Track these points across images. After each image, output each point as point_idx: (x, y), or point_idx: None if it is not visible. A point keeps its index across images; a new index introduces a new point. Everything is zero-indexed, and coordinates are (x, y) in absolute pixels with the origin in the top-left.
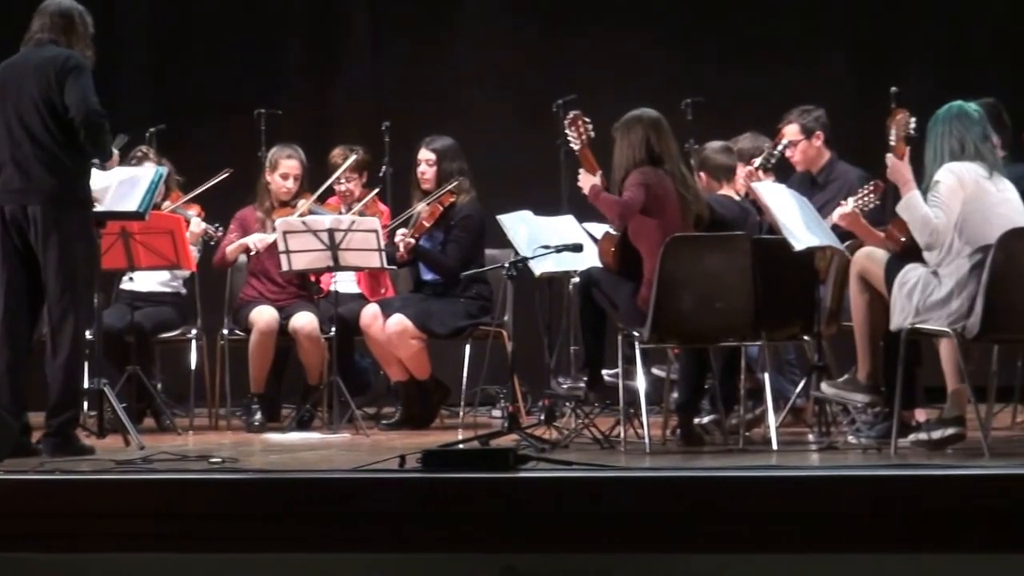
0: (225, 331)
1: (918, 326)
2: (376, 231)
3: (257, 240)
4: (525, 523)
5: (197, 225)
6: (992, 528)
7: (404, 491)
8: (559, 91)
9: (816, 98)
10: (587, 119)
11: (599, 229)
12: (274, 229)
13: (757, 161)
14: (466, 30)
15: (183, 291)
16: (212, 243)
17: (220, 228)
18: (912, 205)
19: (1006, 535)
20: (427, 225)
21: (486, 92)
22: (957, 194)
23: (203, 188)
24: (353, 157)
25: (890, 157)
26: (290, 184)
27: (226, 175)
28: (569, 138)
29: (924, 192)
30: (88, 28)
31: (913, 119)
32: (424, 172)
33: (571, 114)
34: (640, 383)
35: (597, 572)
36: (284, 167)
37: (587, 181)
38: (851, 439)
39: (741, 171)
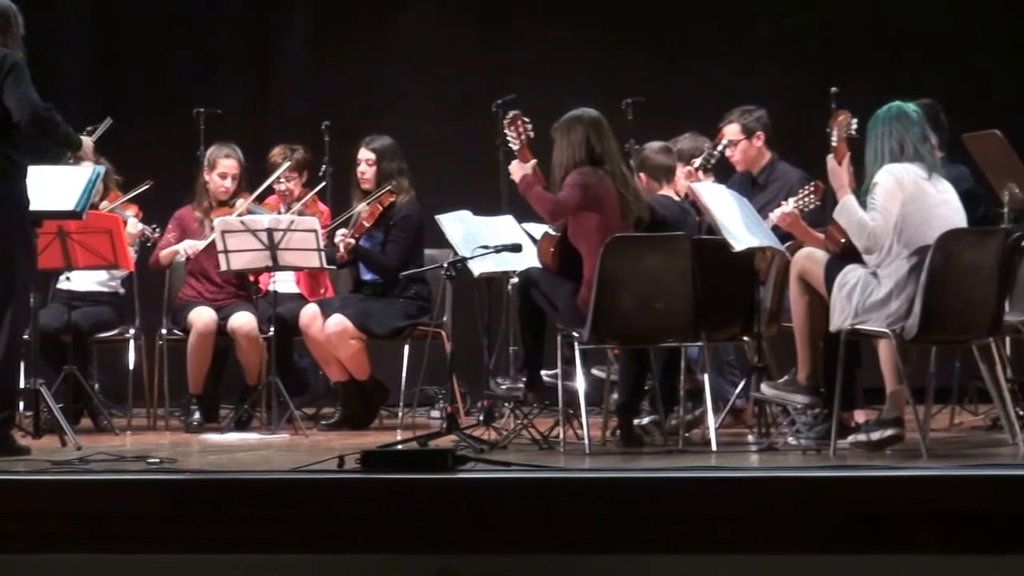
0: (163, 331)
1: (857, 327)
2: (315, 231)
3: (188, 246)
4: (463, 524)
5: (134, 226)
6: (930, 529)
7: (343, 492)
8: (499, 91)
9: (757, 98)
10: (526, 119)
11: (538, 229)
12: (212, 229)
13: (697, 161)
14: (406, 30)
15: (121, 291)
16: (149, 244)
17: (157, 229)
18: (848, 210)
19: (944, 536)
20: (367, 225)
21: (426, 92)
22: (896, 196)
23: (127, 197)
24: (293, 157)
25: (830, 160)
26: (228, 183)
27: (147, 187)
28: (508, 138)
29: (865, 193)
30: (20, 28)
31: (855, 120)
32: (364, 172)
33: (510, 114)
34: (579, 384)
35: (535, 573)
36: (222, 166)
37: (519, 170)
38: (791, 440)
39: (681, 171)
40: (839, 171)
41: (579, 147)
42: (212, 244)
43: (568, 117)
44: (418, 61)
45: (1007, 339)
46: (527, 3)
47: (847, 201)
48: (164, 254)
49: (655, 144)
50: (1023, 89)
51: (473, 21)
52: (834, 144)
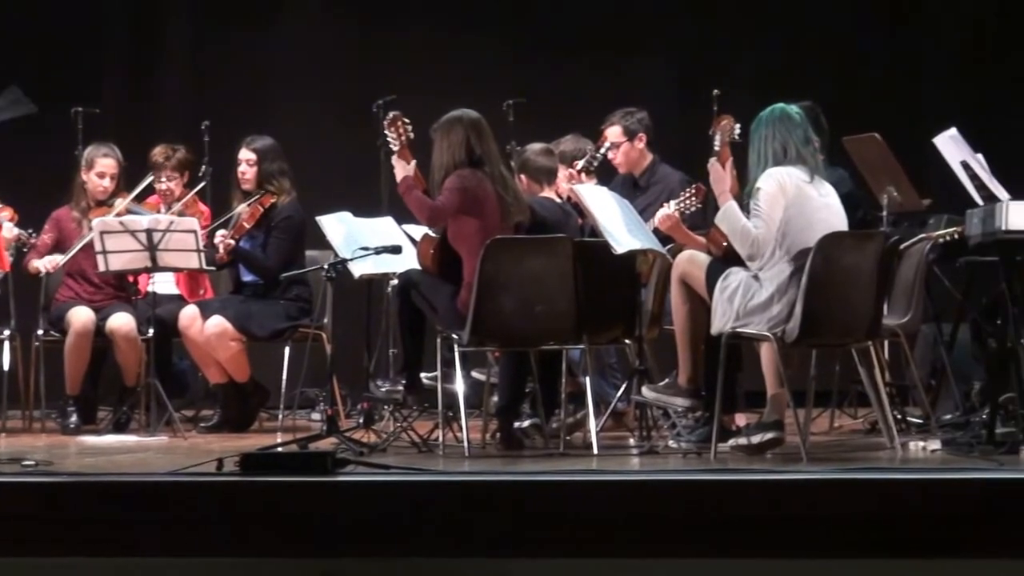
0: (40, 332)
1: (739, 330)
2: (195, 232)
3: (48, 263)
4: (343, 527)
5: (9, 231)
6: (809, 532)
7: (221, 495)
8: (379, 92)
9: (639, 100)
10: (407, 120)
11: (418, 231)
12: (90, 229)
13: (579, 163)
14: (286, 30)
15: None
16: (25, 249)
17: (33, 234)
18: (731, 216)
19: (822, 539)
20: (247, 226)
21: (307, 92)
22: (778, 201)
23: None
24: (175, 157)
25: (713, 165)
26: (106, 183)
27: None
28: (389, 139)
29: (748, 196)
30: None
31: (738, 125)
32: (244, 172)
33: (390, 115)
34: (459, 386)
35: None
36: (100, 166)
37: (400, 171)
38: (672, 443)
39: (563, 173)
40: (722, 176)
41: (459, 148)
42: (90, 244)
43: (448, 118)
44: (299, 62)
45: (886, 343)
46: (409, 3)
47: (729, 207)
48: (31, 266)
49: (536, 146)
50: (902, 92)
51: (354, 22)
52: (717, 148)
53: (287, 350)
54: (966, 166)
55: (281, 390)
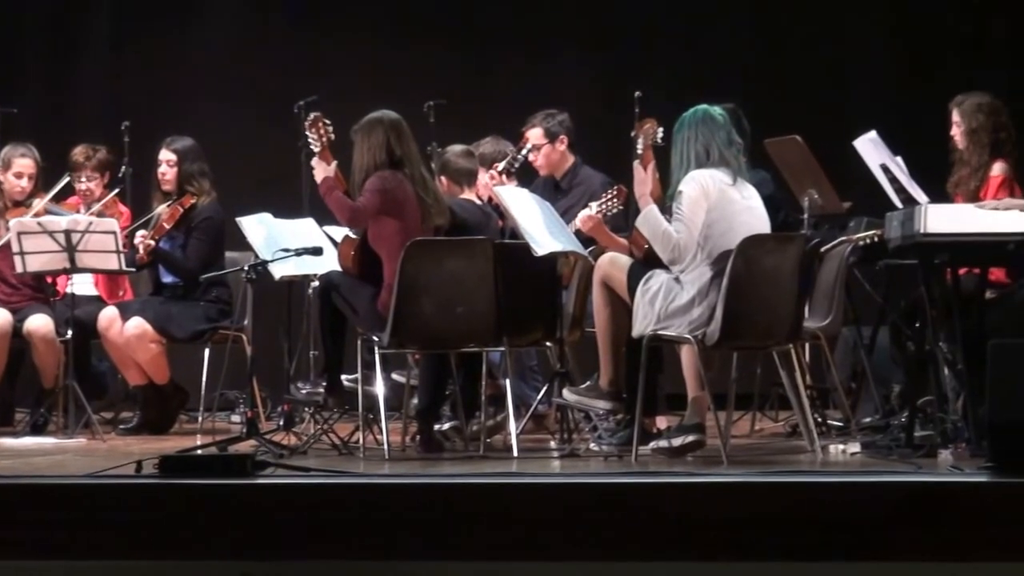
0: None
1: (660, 333)
2: (115, 232)
3: None
4: (263, 530)
5: None
6: (730, 534)
7: (140, 497)
8: (300, 92)
9: (561, 101)
10: (328, 121)
11: (339, 232)
12: (8, 229)
13: (500, 165)
14: (207, 29)
15: None
16: None
17: None
18: (651, 220)
19: (743, 542)
20: (167, 227)
21: (227, 92)
22: (700, 205)
23: None
24: (96, 157)
25: (637, 167)
26: (24, 183)
27: None
28: (310, 140)
29: (671, 199)
30: None
31: (660, 129)
32: (164, 173)
33: (311, 115)
34: (379, 388)
35: None
36: (18, 166)
37: (321, 172)
38: (592, 446)
39: (484, 175)
40: (644, 179)
41: (379, 150)
42: (7, 245)
43: (368, 119)
44: (220, 62)
45: (807, 345)
46: (331, 4)
47: (650, 211)
48: None
49: (456, 147)
50: (825, 92)
51: (275, 22)
52: (640, 151)
53: (207, 352)
54: (885, 169)
55: (201, 392)
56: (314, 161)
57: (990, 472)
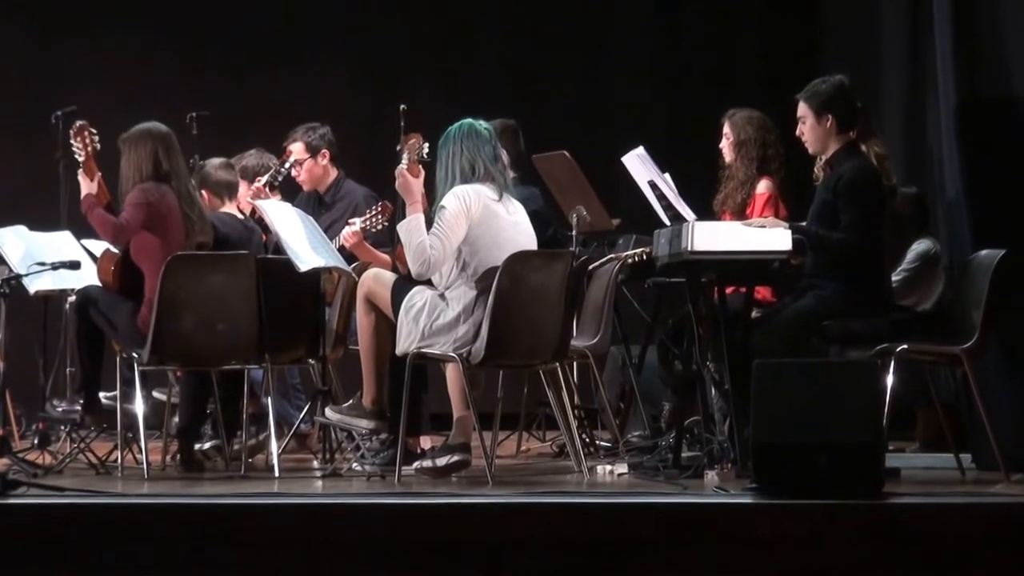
0: None
1: (424, 350)
2: None
3: None
4: (15, 552)
5: None
6: (493, 556)
7: None
8: (58, 103)
9: (324, 114)
10: (94, 130)
11: (99, 246)
12: None
13: (264, 179)
14: None
15: None
16: None
17: None
18: (412, 229)
19: (507, 563)
20: None
21: None
22: (461, 220)
23: None
24: None
25: (402, 172)
26: None
27: None
28: (74, 149)
29: (435, 213)
30: None
31: (426, 145)
32: None
33: (77, 124)
34: (139, 406)
35: None
36: None
37: (85, 187)
38: (356, 466)
39: (246, 189)
40: (412, 183)
41: (146, 162)
42: None
43: (137, 130)
44: None
45: (575, 364)
46: (86, 11)
47: (415, 219)
48: None
49: (216, 160)
50: (595, 108)
51: (31, 31)
52: (405, 166)
53: None
54: (653, 186)
55: None
56: (80, 174)
57: (753, 493)
